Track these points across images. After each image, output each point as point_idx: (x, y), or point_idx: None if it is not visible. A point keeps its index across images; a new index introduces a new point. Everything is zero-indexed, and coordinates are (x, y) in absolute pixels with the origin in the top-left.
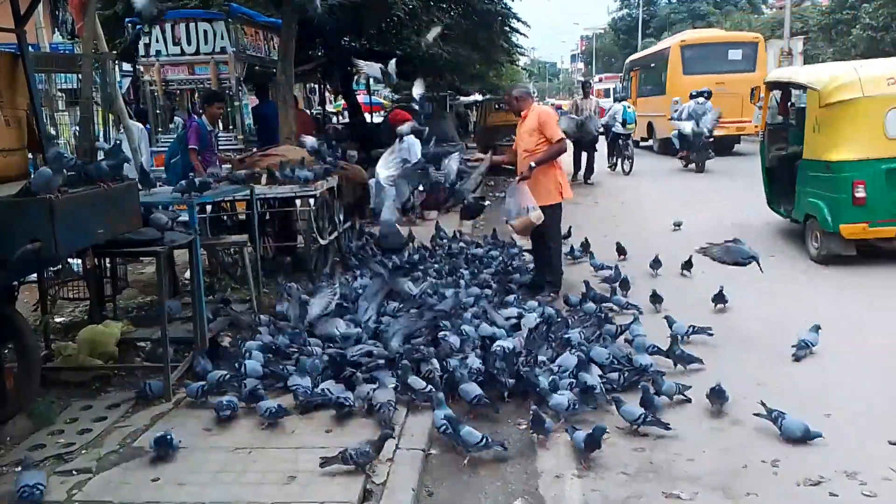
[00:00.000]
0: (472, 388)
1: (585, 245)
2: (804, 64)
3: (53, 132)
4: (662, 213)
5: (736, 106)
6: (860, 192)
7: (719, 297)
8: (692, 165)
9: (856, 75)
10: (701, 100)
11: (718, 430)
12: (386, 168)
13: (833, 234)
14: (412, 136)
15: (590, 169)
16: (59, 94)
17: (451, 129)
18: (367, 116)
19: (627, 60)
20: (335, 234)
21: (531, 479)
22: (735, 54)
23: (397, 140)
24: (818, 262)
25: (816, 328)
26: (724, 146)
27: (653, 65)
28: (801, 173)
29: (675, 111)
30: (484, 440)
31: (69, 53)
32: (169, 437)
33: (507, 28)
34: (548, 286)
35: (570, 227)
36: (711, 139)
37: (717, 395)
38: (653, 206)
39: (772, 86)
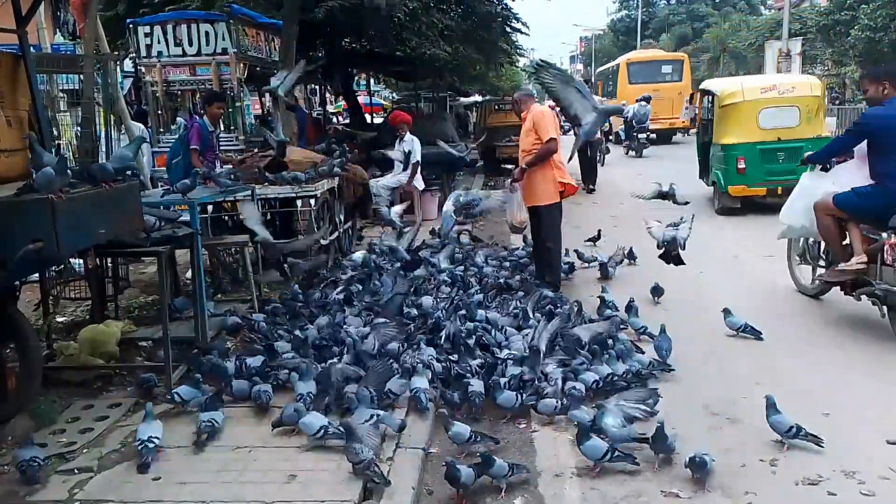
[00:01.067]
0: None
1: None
2: (802, 65)
3: (55, 132)
4: (657, 212)
5: (668, 107)
6: (741, 165)
7: (656, 291)
8: (632, 153)
9: (740, 86)
10: (643, 103)
11: (717, 429)
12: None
13: (725, 193)
14: (412, 136)
15: (593, 172)
16: (61, 94)
17: (451, 130)
18: (368, 117)
19: (596, 71)
20: (336, 234)
21: (531, 477)
22: (667, 69)
23: (398, 140)
24: (718, 213)
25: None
26: (665, 137)
27: (609, 76)
28: (711, 153)
29: (624, 112)
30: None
31: (71, 54)
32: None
33: (507, 29)
34: (547, 286)
35: (600, 231)
36: (648, 133)
37: (699, 467)
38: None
39: (703, 92)
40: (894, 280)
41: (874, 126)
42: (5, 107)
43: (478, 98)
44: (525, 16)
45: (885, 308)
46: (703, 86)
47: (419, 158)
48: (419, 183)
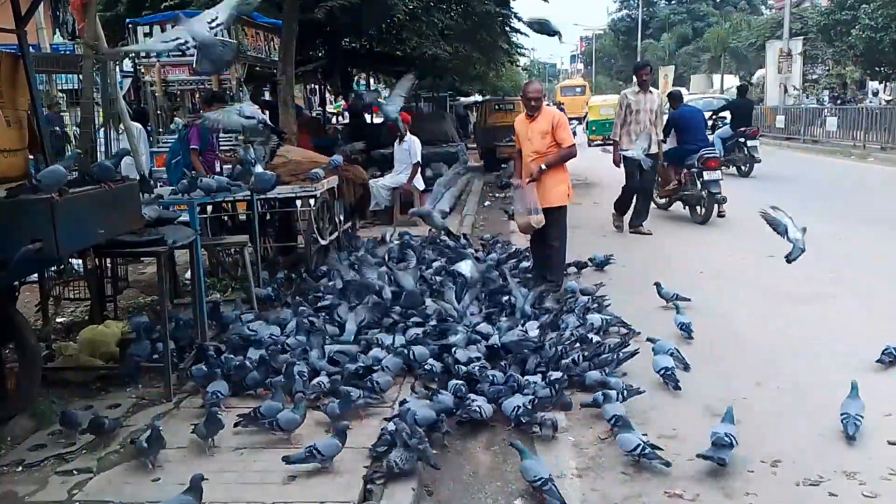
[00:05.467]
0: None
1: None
2: (803, 65)
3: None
4: (657, 213)
5: (578, 108)
6: (594, 128)
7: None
8: None
9: (596, 100)
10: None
11: None
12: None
13: (589, 138)
14: (412, 136)
15: (644, 211)
16: (61, 94)
17: (451, 130)
18: (367, 117)
19: (556, 87)
20: (336, 234)
21: None
22: (579, 90)
23: (397, 140)
24: (588, 146)
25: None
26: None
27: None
28: (587, 125)
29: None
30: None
31: (70, 54)
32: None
33: (507, 28)
34: (548, 285)
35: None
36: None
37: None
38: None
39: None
40: (690, 189)
41: (674, 119)
42: (5, 107)
43: (477, 98)
44: (525, 15)
45: (687, 208)
46: (590, 101)
47: (419, 159)
48: (419, 183)
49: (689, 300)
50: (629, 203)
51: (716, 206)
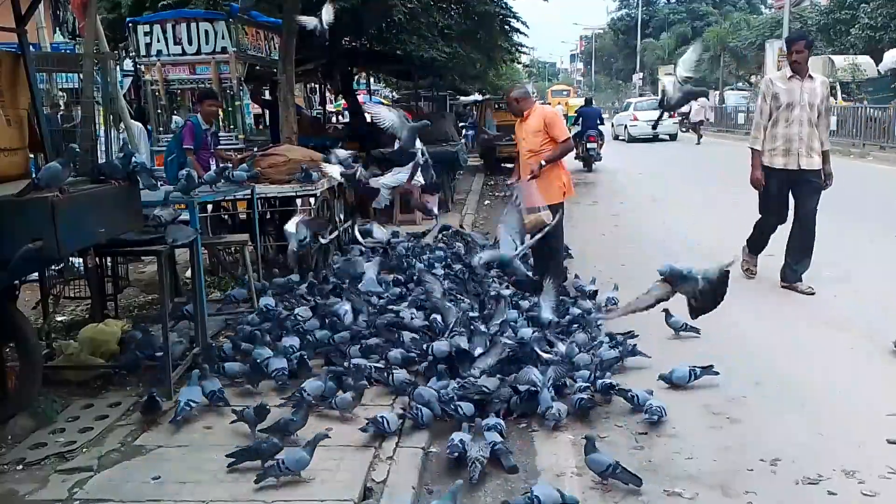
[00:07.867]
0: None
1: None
2: None
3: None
4: (657, 212)
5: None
6: (571, 121)
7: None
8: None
9: (575, 103)
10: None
11: (717, 429)
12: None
13: (569, 128)
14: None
15: (805, 254)
16: (61, 93)
17: (451, 129)
18: (367, 116)
19: (549, 89)
20: (335, 233)
21: (531, 477)
22: (565, 92)
23: (397, 140)
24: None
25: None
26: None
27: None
28: (568, 118)
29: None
30: None
31: (71, 53)
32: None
33: (507, 28)
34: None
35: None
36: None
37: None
38: (648, 203)
39: (567, 103)
40: (582, 153)
41: (579, 113)
42: (5, 106)
43: (477, 97)
44: (524, 14)
45: (581, 163)
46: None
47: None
48: (419, 181)
49: (697, 333)
50: (767, 236)
51: (593, 161)
